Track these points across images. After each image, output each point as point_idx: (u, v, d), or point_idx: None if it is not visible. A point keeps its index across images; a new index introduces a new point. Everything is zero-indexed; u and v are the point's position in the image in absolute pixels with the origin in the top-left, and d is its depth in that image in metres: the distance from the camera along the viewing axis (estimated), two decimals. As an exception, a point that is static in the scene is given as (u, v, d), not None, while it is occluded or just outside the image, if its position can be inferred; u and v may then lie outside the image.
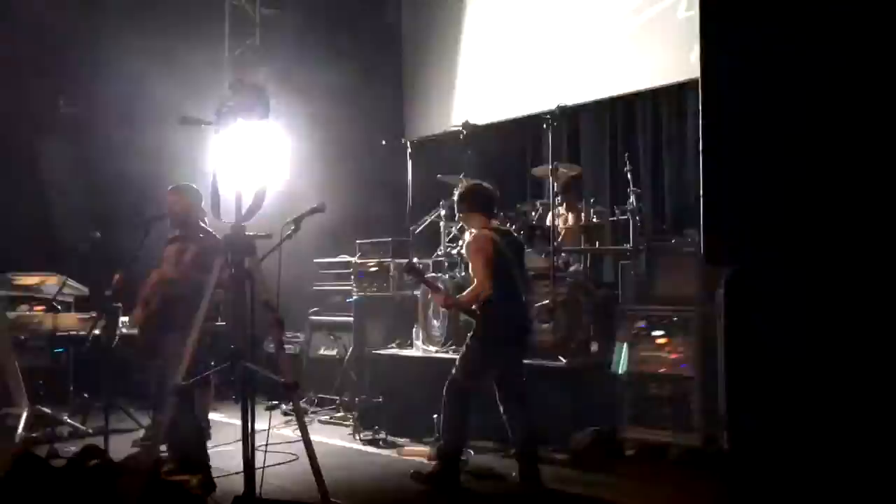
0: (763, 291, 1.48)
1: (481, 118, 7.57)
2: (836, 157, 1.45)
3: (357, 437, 6.28)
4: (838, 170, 1.45)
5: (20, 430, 5.93)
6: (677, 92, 6.75)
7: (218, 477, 4.87)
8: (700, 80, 1.69)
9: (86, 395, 6.74)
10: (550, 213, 6.23)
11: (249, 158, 3.11)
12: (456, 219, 5.40)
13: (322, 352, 7.77)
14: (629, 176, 6.23)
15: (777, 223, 1.48)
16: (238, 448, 5.58)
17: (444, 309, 5.46)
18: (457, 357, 5.05)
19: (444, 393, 4.87)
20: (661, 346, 5.44)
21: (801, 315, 1.44)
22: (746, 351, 1.51)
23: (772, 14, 1.53)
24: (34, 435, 5.96)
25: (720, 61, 1.61)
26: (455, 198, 5.19)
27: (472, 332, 4.95)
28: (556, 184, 6.26)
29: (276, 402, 6.83)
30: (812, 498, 1.50)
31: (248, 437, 3.05)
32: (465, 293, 4.93)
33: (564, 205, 6.54)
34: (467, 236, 5.13)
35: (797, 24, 1.49)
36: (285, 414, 6.90)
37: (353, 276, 7.65)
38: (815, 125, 1.47)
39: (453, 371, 4.90)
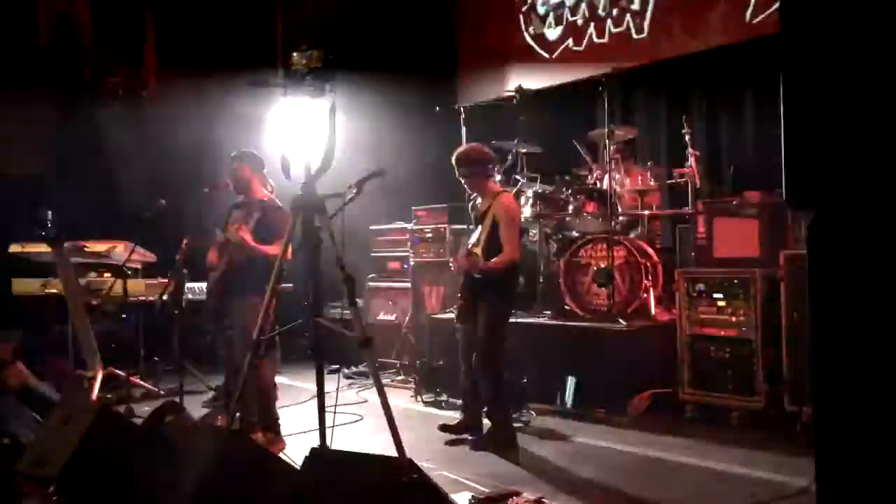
0: (853, 235, 1.38)
1: (535, 83, 7.54)
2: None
3: (418, 399, 6.42)
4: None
5: (95, 390, 6.19)
6: (732, 53, 6.61)
7: (287, 436, 5.10)
8: (780, 14, 1.59)
9: (155, 357, 7.00)
10: (607, 177, 6.20)
11: (315, 119, 3.18)
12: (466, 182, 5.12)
13: (381, 317, 7.91)
14: (687, 138, 6.16)
15: (869, 159, 1.37)
16: (304, 409, 5.84)
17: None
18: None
19: (481, 370, 4.87)
20: (721, 308, 5.41)
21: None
22: (833, 303, 1.42)
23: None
24: (108, 396, 6.22)
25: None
26: (463, 160, 5.05)
27: (488, 302, 4.87)
28: (612, 147, 6.24)
29: (337, 367, 6.95)
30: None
31: (321, 388, 3.15)
32: (497, 259, 4.84)
33: (621, 168, 6.48)
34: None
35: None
36: (347, 377, 7.11)
37: (409, 243, 7.77)
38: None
39: (479, 345, 4.87)
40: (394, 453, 3.26)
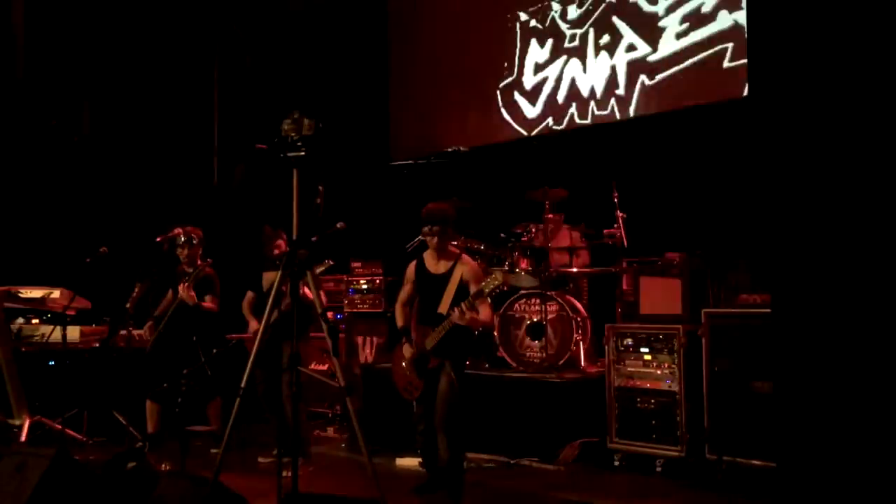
0: (817, 314, 1.54)
1: (471, 141, 7.88)
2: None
3: (350, 448, 6.55)
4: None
5: (23, 439, 6.06)
6: (664, 119, 7.09)
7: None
8: (750, 94, 1.69)
9: (83, 407, 6.87)
10: (542, 235, 6.55)
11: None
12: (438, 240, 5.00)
13: (313, 366, 7.98)
14: (616, 200, 6.55)
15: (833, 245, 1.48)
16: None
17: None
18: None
19: (449, 427, 4.92)
20: (647, 362, 5.74)
21: (854, 333, 1.47)
22: (800, 372, 1.56)
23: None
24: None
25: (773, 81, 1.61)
26: (439, 217, 5.01)
27: (455, 361, 4.95)
28: (547, 206, 6.59)
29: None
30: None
31: (297, 437, 3.28)
32: (480, 316, 4.90)
33: (555, 226, 6.84)
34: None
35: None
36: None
37: (344, 293, 7.94)
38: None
39: (444, 400, 4.89)
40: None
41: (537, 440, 5.97)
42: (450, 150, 7.19)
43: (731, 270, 5.69)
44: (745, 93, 6.38)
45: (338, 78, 9.28)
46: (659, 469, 5.55)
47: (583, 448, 5.86)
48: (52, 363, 7.07)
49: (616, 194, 6.55)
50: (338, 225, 4.32)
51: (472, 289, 4.87)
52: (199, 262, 6.36)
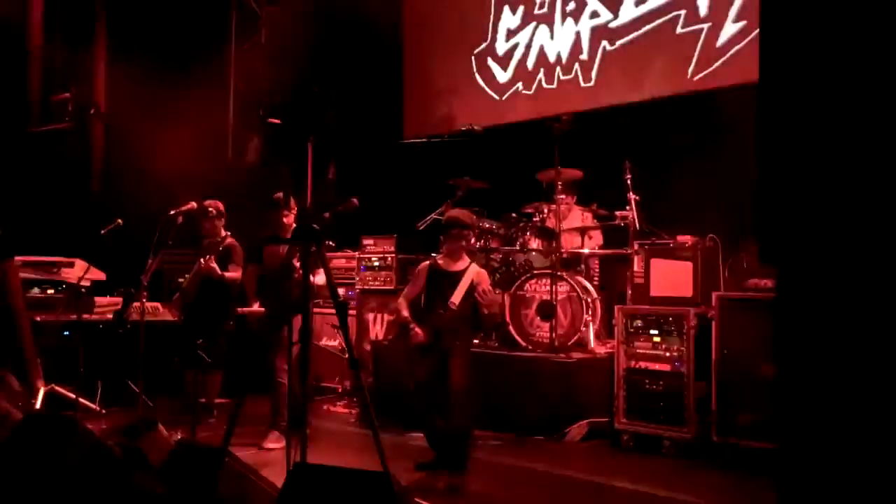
0: (820, 291, 1.53)
1: (485, 120, 7.85)
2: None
3: (359, 423, 6.61)
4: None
5: (38, 406, 6.15)
6: (678, 102, 7.06)
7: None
8: (760, 72, 1.73)
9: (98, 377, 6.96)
10: (553, 215, 6.54)
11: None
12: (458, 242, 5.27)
13: (324, 342, 8.05)
14: (629, 182, 6.52)
15: (838, 219, 1.44)
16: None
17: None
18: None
19: (462, 402, 5.02)
20: (656, 343, 5.76)
21: (857, 315, 1.46)
22: (801, 352, 1.54)
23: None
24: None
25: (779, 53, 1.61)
26: (467, 222, 5.32)
27: (466, 341, 5.37)
28: (559, 187, 6.58)
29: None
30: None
31: (304, 406, 3.33)
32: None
33: (567, 207, 6.83)
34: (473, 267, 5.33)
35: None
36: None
37: (356, 270, 7.97)
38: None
39: (458, 380, 5.03)
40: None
41: (545, 419, 6.01)
42: (463, 128, 7.14)
43: (743, 253, 5.68)
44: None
45: (352, 54, 9.26)
46: (665, 450, 5.58)
47: (590, 428, 5.91)
48: (66, 333, 7.17)
49: (629, 175, 6.52)
50: (352, 200, 4.34)
51: (486, 292, 5.17)
52: (221, 233, 6.52)
